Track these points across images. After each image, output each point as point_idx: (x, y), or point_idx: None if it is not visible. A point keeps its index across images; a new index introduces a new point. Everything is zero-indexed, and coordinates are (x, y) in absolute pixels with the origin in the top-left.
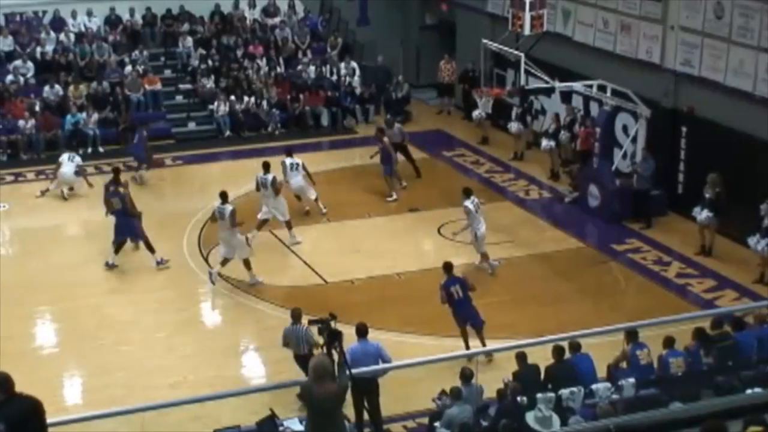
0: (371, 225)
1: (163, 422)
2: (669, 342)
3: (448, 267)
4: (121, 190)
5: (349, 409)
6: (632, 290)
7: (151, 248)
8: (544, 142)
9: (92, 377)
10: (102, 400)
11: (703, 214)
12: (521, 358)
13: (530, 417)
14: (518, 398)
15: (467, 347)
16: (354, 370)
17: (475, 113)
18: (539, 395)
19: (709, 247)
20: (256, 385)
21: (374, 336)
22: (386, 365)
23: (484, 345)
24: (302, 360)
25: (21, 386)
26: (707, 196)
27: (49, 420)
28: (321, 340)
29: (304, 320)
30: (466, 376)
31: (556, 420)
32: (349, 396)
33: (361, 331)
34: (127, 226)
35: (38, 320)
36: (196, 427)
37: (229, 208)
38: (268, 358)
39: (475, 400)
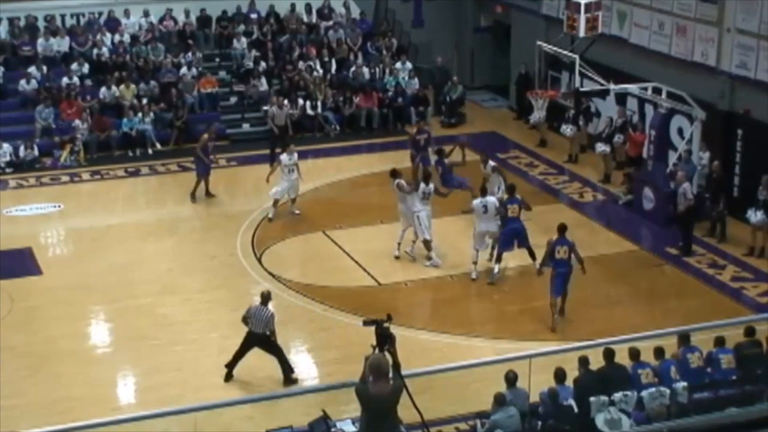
0: None
1: (215, 422)
2: (719, 341)
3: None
4: None
5: (406, 411)
6: (686, 293)
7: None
8: (599, 147)
9: (146, 377)
10: (155, 400)
11: (757, 216)
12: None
13: (600, 419)
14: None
15: None
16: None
17: (533, 116)
18: (592, 399)
19: (761, 249)
20: (309, 386)
21: (426, 338)
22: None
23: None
24: (257, 339)
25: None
26: (761, 198)
27: (101, 419)
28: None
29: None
30: (510, 379)
31: (626, 422)
32: (405, 398)
33: None
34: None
35: (93, 320)
36: (248, 427)
37: None
38: (321, 358)
39: (521, 404)
